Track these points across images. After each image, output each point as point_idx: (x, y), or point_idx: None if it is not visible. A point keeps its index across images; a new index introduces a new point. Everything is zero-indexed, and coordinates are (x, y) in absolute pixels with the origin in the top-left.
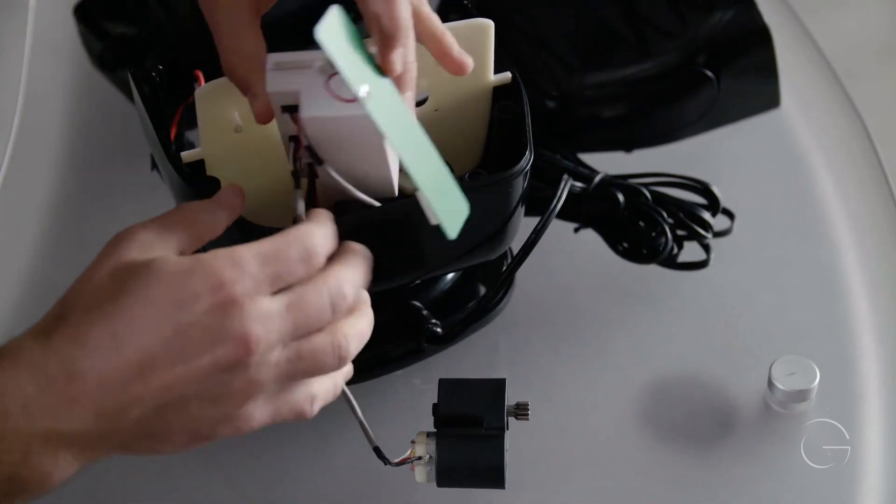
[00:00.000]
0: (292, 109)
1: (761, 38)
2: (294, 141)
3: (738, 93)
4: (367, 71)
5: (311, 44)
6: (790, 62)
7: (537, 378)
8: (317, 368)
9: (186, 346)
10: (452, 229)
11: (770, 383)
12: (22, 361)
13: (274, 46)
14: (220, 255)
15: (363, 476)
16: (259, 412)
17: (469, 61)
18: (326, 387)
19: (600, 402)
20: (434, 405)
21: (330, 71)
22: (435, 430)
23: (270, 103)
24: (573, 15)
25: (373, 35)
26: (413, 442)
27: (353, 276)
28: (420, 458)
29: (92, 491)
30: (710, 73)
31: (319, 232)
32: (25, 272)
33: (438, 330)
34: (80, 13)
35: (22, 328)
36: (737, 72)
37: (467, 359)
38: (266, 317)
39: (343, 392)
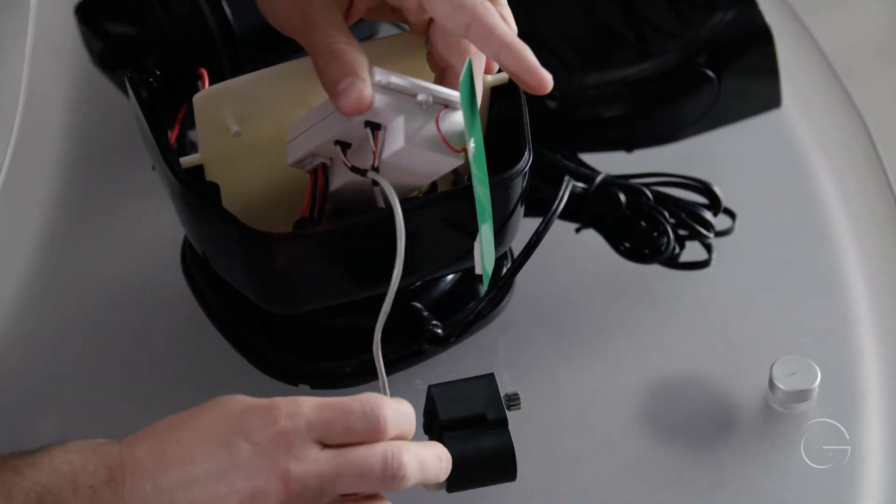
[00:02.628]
0: (375, 126)
1: (762, 38)
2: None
3: (738, 93)
4: (473, 124)
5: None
6: (791, 62)
7: (538, 378)
8: None
9: (232, 469)
10: (487, 280)
11: (771, 383)
12: (104, 449)
13: (259, 52)
14: (284, 400)
15: None
16: None
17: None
18: None
19: (601, 402)
20: (426, 412)
21: (434, 109)
22: (429, 438)
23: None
24: (573, 15)
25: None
26: None
27: (415, 453)
28: None
29: None
30: (710, 73)
31: (391, 404)
32: (26, 271)
33: (439, 331)
34: (81, 13)
35: (23, 328)
36: (738, 72)
37: (468, 360)
38: (310, 459)
39: None
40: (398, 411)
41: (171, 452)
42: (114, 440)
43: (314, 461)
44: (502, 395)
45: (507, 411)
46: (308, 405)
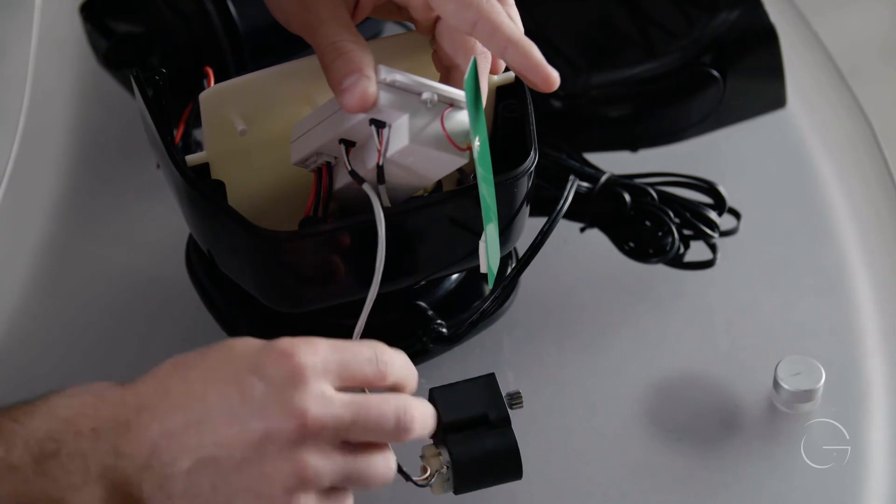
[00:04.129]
0: (380, 124)
1: (767, 37)
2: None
3: (743, 92)
4: (478, 123)
5: (302, 50)
6: (796, 62)
7: (542, 377)
8: (365, 481)
9: (246, 409)
10: (492, 279)
11: (775, 383)
12: (106, 392)
13: (264, 51)
14: (297, 338)
15: None
16: None
17: (556, 75)
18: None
19: (605, 402)
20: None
21: (439, 108)
22: (432, 441)
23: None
24: (579, 15)
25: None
26: (422, 457)
27: (423, 412)
28: (438, 471)
29: None
30: (715, 73)
31: (390, 349)
32: (31, 270)
33: (444, 330)
34: (86, 11)
35: (27, 326)
36: (742, 72)
37: (473, 358)
38: (327, 399)
39: None
40: (395, 353)
41: (177, 392)
42: (116, 383)
43: (329, 400)
44: (504, 394)
45: (509, 410)
46: (324, 345)
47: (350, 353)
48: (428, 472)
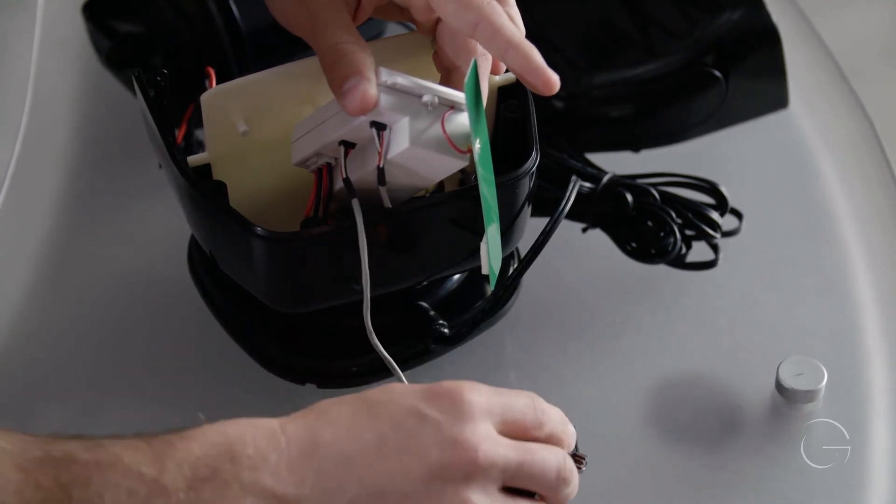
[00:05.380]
0: (380, 127)
1: (769, 38)
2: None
3: (745, 93)
4: (479, 125)
5: (305, 51)
6: (798, 62)
7: (544, 378)
8: None
9: (419, 440)
10: (493, 280)
11: (777, 383)
12: (264, 423)
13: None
14: (461, 381)
15: None
16: None
17: (556, 78)
18: None
19: (607, 402)
20: None
21: (439, 110)
22: None
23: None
24: (580, 15)
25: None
26: None
27: (573, 465)
28: None
29: None
30: (717, 73)
31: (546, 403)
32: (33, 269)
33: (445, 331)
34: (89, 11)
35: (29, 326)
36: (745, 72)
37: (475, 359)
38: (496, 439)
39: None
40: (561, 416)
41: (342, 424)
42: (270, 419)
43: (497, 442)
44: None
45: None
46: (486, 387)
47: (510, 397)
48: None
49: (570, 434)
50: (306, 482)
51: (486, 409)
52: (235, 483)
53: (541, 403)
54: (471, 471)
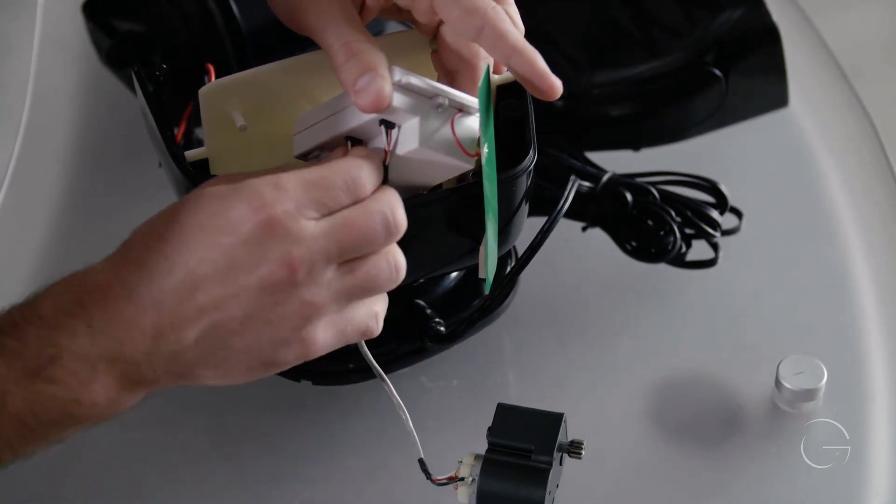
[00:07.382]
0: (389, 125)
1: (769, 37)
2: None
3: (746, 92)
4: (488, 129)
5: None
6: (798, 61)
7: (543, 377)
8: (375, 287)
9: (232, 267)
10: (489, 284)
11: (777, 382)
12: (91, 286)
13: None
14: (264, 180)
15: (370, 476)
16: (322, 334)
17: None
18: (386, 303)
19: (607, 401)
20: (489, 428)
21: (448, 112)
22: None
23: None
24: (581, 14)
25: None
26: (460, 462)
27: (400, 205)
28: (463, 478)
29: (99, 479)
30: (718, 72)
31: (366, 165)
32: (32, 268)
33: (442, 329)
34: (89, 10)
35: None
36: (745, 71)
37: (473, 357)
38: (309, 238)
39: (396, 404)
40: (371, 169)
41: (159, 269)
42: (92, 266)
43: (312, 238)
44: (568, 440)
45: (562, 456)
46: (292, 187)
47: (325, 188)
48: (450, 474)
49: (385, 192)
50: (147, 337)
51: (295, 209)
52: (81, 356)
53: (356, 175)
54: (292, 278)
